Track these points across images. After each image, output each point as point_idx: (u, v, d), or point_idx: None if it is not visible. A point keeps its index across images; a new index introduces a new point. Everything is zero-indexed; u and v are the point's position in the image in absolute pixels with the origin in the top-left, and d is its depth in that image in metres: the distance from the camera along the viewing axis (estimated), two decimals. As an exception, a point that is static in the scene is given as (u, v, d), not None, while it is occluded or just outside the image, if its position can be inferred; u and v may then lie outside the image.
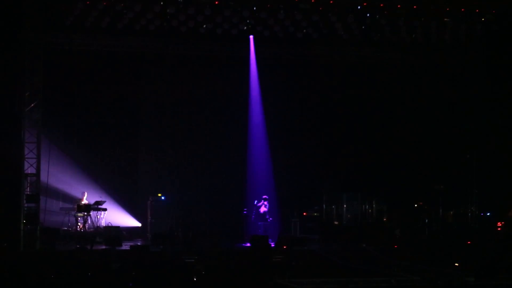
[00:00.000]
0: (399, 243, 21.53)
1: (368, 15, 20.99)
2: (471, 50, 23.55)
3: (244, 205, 23.04)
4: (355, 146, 24.70)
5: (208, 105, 24.27)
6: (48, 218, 21.57)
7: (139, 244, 20.55)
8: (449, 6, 20.97)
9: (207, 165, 24.21)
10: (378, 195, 24.18)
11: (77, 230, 21.89)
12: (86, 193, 22.51)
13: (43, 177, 20.99)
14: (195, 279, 15.17)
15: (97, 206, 22.12)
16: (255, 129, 24.10)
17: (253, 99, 24.08)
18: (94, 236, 20.71)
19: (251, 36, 22.90)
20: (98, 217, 22.22)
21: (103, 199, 22.43)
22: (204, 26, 20.83)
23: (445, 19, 21.32)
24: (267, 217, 22.68)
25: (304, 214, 23.01)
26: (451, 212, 23.80)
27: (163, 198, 22.73)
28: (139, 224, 23.40)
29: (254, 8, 20.48)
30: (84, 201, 22.25)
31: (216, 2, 20.11)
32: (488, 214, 23.61)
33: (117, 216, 22.97)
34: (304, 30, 21.43)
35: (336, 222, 23.87)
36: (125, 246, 19.62)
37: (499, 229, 22.65)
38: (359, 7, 20.77)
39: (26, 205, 19.96)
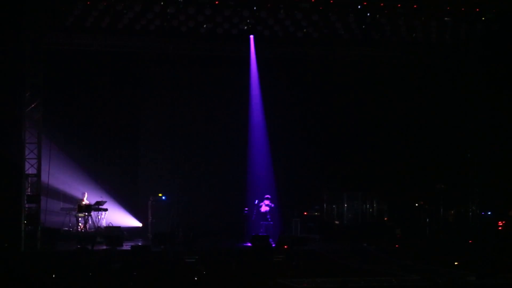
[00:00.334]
0: (400, 242, 21.53)
1: (368, 14, 20.99)
2: (471, 49, 23.53)
3: (245, 205, 23.05)
4: (356, 145, 24.69)
5: (208, 105, 24.27)
6: (49, 218, 21.60)
7: (140, 244, 20.56)
8: (449, 6, 20.98)
9: (208, 165, 24.22)
10: (378, 195, 24.21)
11: (78, 230, 21.91)
12: (86, 193, 22.52)
13: (44, 177, 21.01)
14: (196, 279, 15.17)
15: (98, 206, 22.14)
16: (256, 129, 24.09)
17: (253, 99, 24.06)
18: (95, 236, 20.70)
19: (251, 36, 22.89)
20: (99, 217, 22.24)
21: (104, 199, 22.43)
22: (205, 26, 20.83)
23: (445, 19, 21.32)
24: (268, 217, 22.67)
25: (305, 213, 23.00)
26: (452, 211, 23.81)
27: (163, 198, 22.72)
28: (140, 224, 23.40)
29: (254, 8, 20.49)
30: (85, 201, 22.26)
31: (216, 2, 20.12)
32: (489, 213, 23.59)
33: (118, 216, 22.98)
34: (304, 30, 21.42)
35: (337, 222, 23.89)
36: (126, 246, 19.62)
37: (500, 228, 22.66)
38: (359, 7, 20.77)
39: (27, 205, 19.95)
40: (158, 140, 24.18)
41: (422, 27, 21.43)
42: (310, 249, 20.15)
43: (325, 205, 23.93)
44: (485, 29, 21.58)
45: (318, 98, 24.78)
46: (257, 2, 20.37)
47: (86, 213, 21.93)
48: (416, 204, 23.55)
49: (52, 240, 19.78)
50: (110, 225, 22.23)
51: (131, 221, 23.33)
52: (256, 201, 22.92)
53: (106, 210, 22.33)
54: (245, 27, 21.32)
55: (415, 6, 20.88)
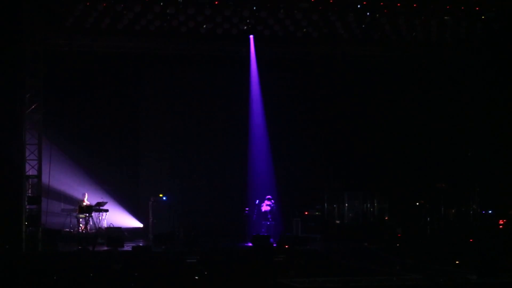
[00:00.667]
0: (401, 241, 21.52)
1: (368, 13, 21.00)
2: (472, 48, 23.53)
3: (246, 204, 23.05)
4: (356, 145, 24.69)
5: (208, 105, 24.27)
6: (50, 219, 21.59)
7: (141, 244, 20.58)
8: (449, 5, 20.98)
9: (208, 165, 24.22)
10: (379, 194, 24.18)
11: (79, 231, 21.91)
12: (86, 194, 22.53)
13: (45, 178, 21.00)
14: (197, 279, 15.17)
15: (98, 207, 22.14)
16: (256, 129, 24.09)
17: (253, 99, 24.06)
18: (96, 237, 20.71)
19: (251, 36, 22.89)
20: (100, 218, 22.22)
21: (104, 200, 22.44)
22: (204, 26, 20.84)
23: (445, 18, 21.32)
24: (269, 216, 22.68)
25: (306, 213, 22.99)
26: (453, 210, 23.79)
27: (164, 198, 22.71)
28: (140, 225, 23.40)
29: (254, 8, 20.50)
30: (85, 202, 22.26)
31: (216, 2, 20.13)
32: (490, 212, 23.60)
33: (118, 217, 22.98)
34: (304, 29, 21.43)
35: (337, 221, 23.87)
36: (127, 247, 19.63)
37: (500, 227, 22.67)
38: (359, 6, 20.79)
39: (27, 207, 19.96)
40: (159, 141, 24.18)
41: (422, 26, 21.43)
42: (311, 249, 20.16)
43: (326, 204, 23.91)
44: (485, 28, 21.57)
45: (318, 97, 24.77)
46: (257, 2, 20.39)
47: (87, 214, 21.92)
48: (417, 203, 23.54)
49: (53, 241, 19.78)
50: (111, 226, 22.24)
51: (132, 222, 23.33)
52: (257, 201, 22.93)
53: (107, 211, 22.32)
54: (245, 27, 21.34)
55: (415, 5, 20.88)
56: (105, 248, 19.52)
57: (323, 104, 24.78)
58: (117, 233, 21.46)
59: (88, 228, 21.91)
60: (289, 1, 20.45)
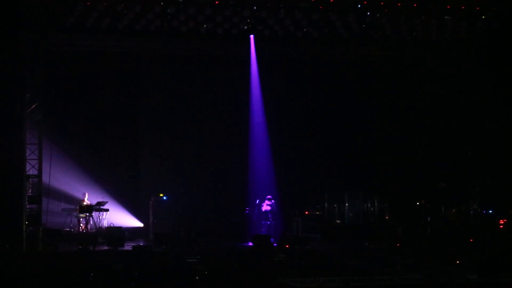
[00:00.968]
0: (401, 241, 21.50)
1: (368, 13, 21.01)
2: (472, 48, 23.53)
3: (246, 204, 23.05)
4: (357, 144, 24.71)
5: (209, 105, 24.27)
6: (50, 219, 21.58)
7: (141, 244, 20.57)
8: (449, 4, 20.99)
9: (209, 165, 24.22)
10: (380, 194, 24.15)
11: (79, 231, 21.92)
12: (87, 194, 22.53)
13: (45, 178, 21.00)
14: (197, 279, 15.17)
15: (99, 207, 22.13)
16: (256, 129, 24.11)
17: (254, 98, 24.08)
18: (96, 237, 20.69)
19: (251, 36, 22.91)
20: (100, 217, 22.22)
21: (105, 200, 22.44)
22: (205, 26, 20.86)
23: (446, 17, 21.31)
24: (269, 216, 22.68)
25: (306, 213, 22.99)
26: (453, 210, 23.78)
27: (165, 198, 22.74)
28: (141, 225, 23.41)
29: (254, 8, 20.52)
30: (86, 202, 22.26)
31: (217, 2, 20.14)
32: (490, 211, 23.59)
33: (119, 217, 22.98)
34: (305, 29, 21.45)
35: (338, 221, 23.86)
36: (127, 246, 19.60)
37: (501, 226, 22.66)
38: (359, 6, 20.78)
39: (28, 206, 19.96)
40: (159, 140, 24.17)
41: (422, 26, 21.45)
42: (312, 249, 20.14)
43: (326, 204, 23.90)
44: (485, 28, 21.57)
45: (318, 97, 24.78)
46: (257, 2, 20.39)
47: (87, 214, 21.92)
48: (417, 203, 23.52)
49: (53, 241, 19.76)
50: (111, 225, 22.24)
51: (132, 222, 23.34)
52: (258, 200, 22.93)
53: (107, 210, 22.32)
54: (245, 27, 21.36)
55: (415, 5, 20.89)
56: (106, 247, 19.49)
57: (324, 103, 24.79)
58: (118, 233, 21.45)
59: (89, 227, 21.91)
60: (289, 1, 20.46)
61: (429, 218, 22.88)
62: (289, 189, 23.86)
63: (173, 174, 23.91)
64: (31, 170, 20.32)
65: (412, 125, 24.81)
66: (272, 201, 22.87)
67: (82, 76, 23.00)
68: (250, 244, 20.76)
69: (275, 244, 20.56)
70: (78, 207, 22.08)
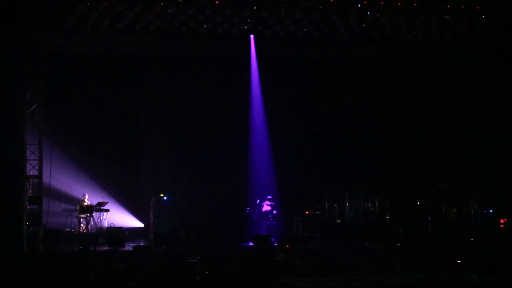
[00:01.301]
0: (402, 241, 21.52)
1: (368, 13, 21.00)
2: (472, 47, 23.53)
3: (247, 204, 23.05)
4: (357, 144, 24.70)
5: (209, 105, 24.29)
6: (51, 219, 21.60)
7: (142, 244, 20.57)
8: (450, 4, 20.97)
9: (209, 165, 24.23)
10: (380, 193, 24.18)
11: (80, 231, 21.93)
12: (87, 194, 22.54)
13: (45, 178, 21.01)
14: (198, 279, 15.17)
15: (99, 207, 22.15)
16: (257, 128, 24.11)
17: (254, 98, 24.09)
18: (96, 237, 20.70)
19: (251, 36, 22.91)
20: (101, 218, 22.23)
21: (105, 200, 22.44)
22: (205, 26, 20.86)
23: (446, 17, 21.31)
24: (270, 216, 22.69)
25: (307, 212, 22.99)
26: (454, 210, 23.80)
27: (165, 198, 22.73)
28: (141, 225, 23.42)
29: (255, 8, 20.50)
30: (86, 202, 22.27)
31: (217, 2, 20.13)
32: (491, 211, 23.59)
33: (119, 217, 22.98)
34: (305, 29, 21.45)
35: (338, 221, 23.89)
36: (128, 247, 19.62)
37: (501, 226, 22.66)
38: (359, 5, 20.77)
39: (28, 207, 19.96)
40: (159, 141, 24.18)
41: (422, 26, 21.44)
42: (312, 248, 20.16)
43: (326, 204, 23.93)
44: (485, 27, 21.56)
45: (319, 97, 24.80)
46: (257, 2, 20.38)
47: (88, 214, 21.94)
48: (418, 203, 23.55)
49: (54, 241, 19.78)
50: (112, 225, 22.24)
51: (133, 222, 23.34)
52: (258, 200, 22.93)
53: (107, 211, 22.32)
54: (246, 27, 21.35)
55: (415, 5, 20.88)
56: (106, 248, 19.50)
57: (324, 103, 24.80)
58: (118, 233, 21.45)
59: (89, 228, 21.93)
60: (290, 1, 20.45)
61: (429, 218, 22.90)
62: (289, 189, 23.87)
63: (174, 174, 23.93)
64: (31, 171, 20.33)
65: (413, 124, 24.83)
66: (272, 202, 22.84)
67: (83, 76, 23.02)
68: (251, 244, 20.77)
69: (275, 244, 20.57)
70: (78, 208, 22.09)
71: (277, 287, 14.74)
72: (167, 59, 23.56)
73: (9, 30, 19.79)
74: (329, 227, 23.13)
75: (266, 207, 22.76)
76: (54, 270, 15.98)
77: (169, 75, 24.12)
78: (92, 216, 22.00)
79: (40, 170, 20.46)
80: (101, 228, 22.04)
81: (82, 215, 22.01)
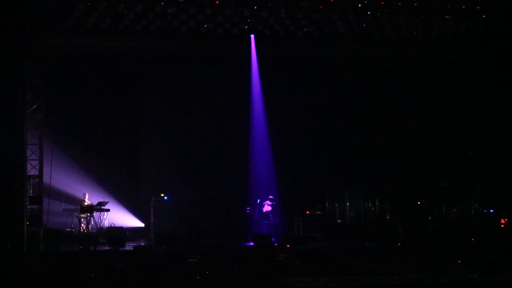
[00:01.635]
0: (402, 240, 21.52)
1: (369, 13, 20.99)
2: (473, 47, 23.52)
3: (247, 204, 23.05)
4: (358, 144, 24.69)
5: (209, 105, 24.28)
6: (51, 219, 21.63)
7: (142, 244, 20.56)
8: (450, 3, 20.95)
9: (210, 164, 24.22)
10: (381, 193, 24.18)
11: (80, 231, 21.93)
12: (87, 194, 22.54)
13: (46, 178, 21.02)
14: (198, 278, 15.18)
15: (100, 207, 22.14)
16: (257, 128, 24.10)
17: (254, 98, 24.08)
18: (97, 237, 20.73)
19: (252, 35, 22.89)
20: (101, 218, 22.24)
21: (106, 200, 22.45)
22: (205, 25, 20.84)
23: (446, 17, 21.30)
24: (270, 216, 22.68)
25: (307, 212, 22.98)
26: (454, 209, 23.81)
27: (165, 198, 22.73)
28: (142, 225, 23.41)
29: (255, 7, 20.49)
30: (86, 202, 22.28)
31: (217, 2, 20.12)
32: (491, 211, 23.59)
33: (120, 217, 22.98)
34: (305, 29, 21.43)
35: (339, 220, 23.90)
36: (128, 246, 19.62)
37: (502, 226, 22.65)
38: (359, 5, 20.76)
39: (29, 207, 19.97)
40: (160, 140, 24.18)
41: (422, 25, 21.41)
42: (313, 248, 20.18)
43: (327, 203, 23.93)
44: (486, 27, 21.54)
45: (319, 97, 24.78)
46: (257, 2, 20.37)
47: (88, 214, 21.94)
48: (418, 202, 23.55)
49: (54, 241, 19.80)
50: (112, 225, 22.25)
51: (133, 222, 23.34)
52: (259, 200, 22.93)
53: (108, 210, 22.33)
54: (246, 27, 21.34)
55: (415, 4, 20.86)
56: (107, 248, 19.52)
57: (324, 103, 24.79)
58: (119, 233, 21.45)
59: (90, 228, 21.93)
60: (290, 1, 20.44)
61: (430, 218, 22.92)
62: (289, 188, 23.87)
63: (174, 174, 23.94)
64: (32, 171, 20.33)
65: (413, 124, 24.81)
66: (274, 202, 22.84)
67: (83, 76, 23.02)
68: (251, 243, 20.77)
69: (276, 244, 20.57)
70: (79, 207, 22.09)
71: (278, 287, 14.75)
72: (167, 59, 23.53)
73: (9, 30, 19.80)
74: (330, 227, 23.13)
75: (266, 207, 22.74)
76: (55, 270, 15.99)
77: (169, 75, 24.11)
78: (93, 216, 22.00)
79: (41, 170, 20.47)
80: (101, 228, 22.05)
81: (82, 215, 22.01)
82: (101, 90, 23.40)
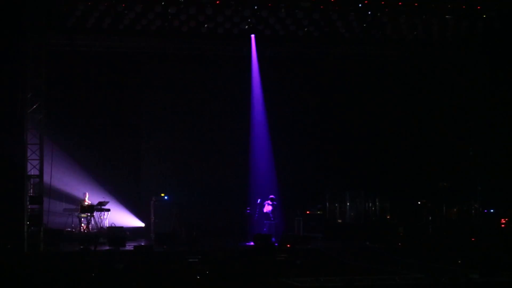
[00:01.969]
0: (402, 240, 21.51)
1: (369, 13, 20.99)
2: (473, 47, 23.52)
3: (247, 204, 23.05)
4: (358, 144, 24.69)
5: (210, 105, 24.29)
6: (52, 219, 21.58)
7: (142, 244, 20.57)
8: (451, 3, 20.96)
9: (210, 164, 24.22)
10: (381, 193, 24.18)
11: (81, 231, 21.94)
12: (87, 194, 22.55)
13: (46, 178, 20.98)
14: (198, 278, 15.18)
15: (100, 207, 22.16)
16: (257, 128, 24.10)
17: (255, 98, 24.08)
18: (97, 237, 20.73)
19: (252, 35, 22.89)
20: (102, 217, 22.26)
21: (106, 200, 22.45)
22: (205, 25, 20.84)
23: (446, 17, 21.30)
24: (271, 216, 22.68)
25: (307, 212, 22.98)
26: (455, 209, 23.80)
27: (166, 198, 22.73)
28: (142, 224, 23.42)
29: (255, 7, 20.50)
30: (87, 202, 22.29)
31: (217, 2, 20.12)
32: (492, 211, 23.59)
33: (120, 217, 22.99)
34: (305, 29, 21.43)
35: (339, 220, 23.90)
36: (129, 246, 19.63)
37: (502, 225, 22.66)
38: (360, 5, 20.76)
39: (29, 206, 19.96)
40: (160, 140, 24.18)
41: (423, 25, 21.42)
42: (313, 248, 20.18)
43: (327, 203, 23.93)
44: (486, 27, 21.54)
45: (319, 97, 24.79)
46: (258, 2, 20.37)
47: (89, 214, 21.96)
48: (419, 202, 23.55)
49: (55, 241, 19.79)
50: (113, 225, 22.25)
51: (133, 221, 23.34)
52: (259, 200, 22.92)
53: (108, 210, 22.34)
54: (246, 27, 21.35)
55: (416, 4, 20.86)
56: (107, 247, 19.52)
57: (324, 103, 24.79)
58: (119, 233, 21.45)
59: (90, 227, 21.95)
60: (290, 1, 20.44)
61: (430, 218, 22.92)
62: (290, 188, 23.86)
63: (174, 174, 23.93)
64: (32, 170, 20.31)
65: (413, 124, 24.81)
66: (274, 202, 22.83)
67: (83, 76, 23.04)
68: (252, 243, 20.77)
69: (276, 244, 20.56)
70: (79, 207, 22.10)
71: (278, 287, 14.75)
72: (167, 59, 23.56)
73: (10, 30, 19.81)
74: (330, 227, 23.13)
75: (267, 207, 22.72)
76: (55, 270, 15.98)
77: (169, 75, 24.11)
78: (93, 215, 22.02)
79: (41, 170, 20.45)
80: (102, 227, 22.07)
81: (83, 215, 22.03)
82: (101, 90, 23.40)
